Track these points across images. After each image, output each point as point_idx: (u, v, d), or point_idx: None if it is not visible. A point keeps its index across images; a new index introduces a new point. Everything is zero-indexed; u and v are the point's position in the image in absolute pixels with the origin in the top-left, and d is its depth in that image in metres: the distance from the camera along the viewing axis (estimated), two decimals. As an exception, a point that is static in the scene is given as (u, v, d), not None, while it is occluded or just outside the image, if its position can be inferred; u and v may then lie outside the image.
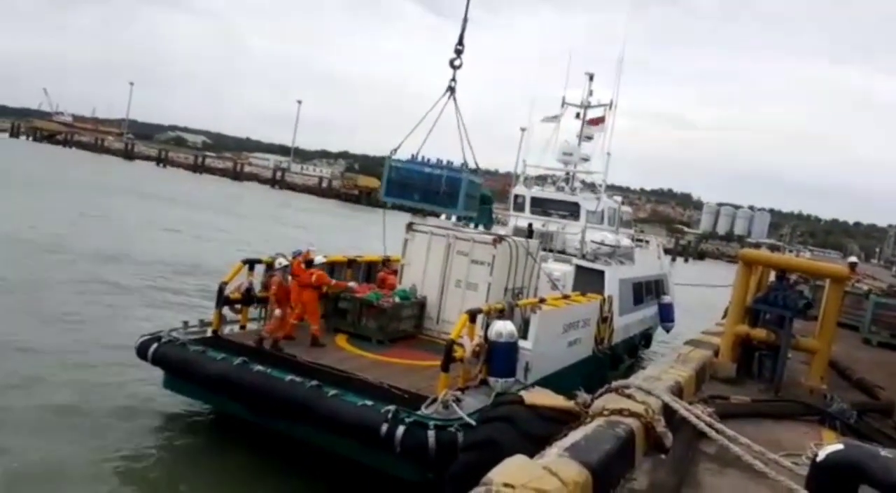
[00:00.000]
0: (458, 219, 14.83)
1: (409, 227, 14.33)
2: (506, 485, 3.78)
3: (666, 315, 20.55)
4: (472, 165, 12.06)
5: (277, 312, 11.28)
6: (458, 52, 11.48)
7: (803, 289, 12.43)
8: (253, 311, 12.53)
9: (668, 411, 6.54)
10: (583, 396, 6.97)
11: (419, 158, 12.26)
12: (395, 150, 12.34)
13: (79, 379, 11.89)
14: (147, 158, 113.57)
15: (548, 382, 11.17)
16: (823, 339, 9.90)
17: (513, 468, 4.09)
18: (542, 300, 12.18)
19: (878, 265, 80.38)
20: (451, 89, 11.87)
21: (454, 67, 11.88)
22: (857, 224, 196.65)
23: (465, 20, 11.38)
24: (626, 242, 19.57)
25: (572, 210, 19.56)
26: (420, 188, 10.69)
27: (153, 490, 8.99)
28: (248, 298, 12.18)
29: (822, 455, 5.37)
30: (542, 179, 21.69)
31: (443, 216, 13.85)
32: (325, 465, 9.61)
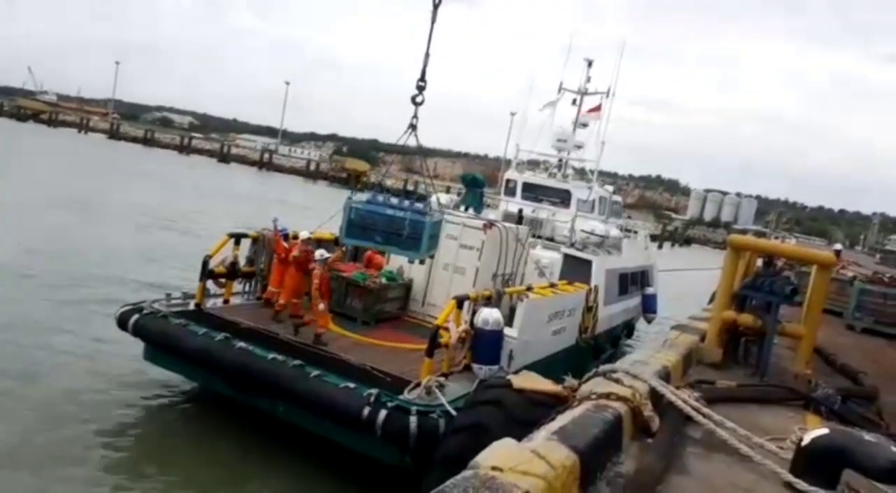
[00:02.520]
0: (457, 207, 14.78)
1: None
2: (494, 468, 3.77)
3: (649, 306, 20.66)
4: (434, 205, 11.72)
5: (321, 306, 10.96)
6: (421, 89, 11.23)
7: (789, 275, 12.51)
8: (237, 285, 12.50)
9: (655, 395, 6.56)
10: (570, 380, 7.00)
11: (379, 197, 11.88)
12: (354, 192, 11.68)
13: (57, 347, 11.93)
14: (133, 139, 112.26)
15: (531, 370, 11.24)
16: (809, 325, 9.97)
17: (501, 451, 4.08)
18: (530, 288, 12.20)
19: (862, 252, 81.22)
20: (413, 126, 11.74)
21: (416, 104, 11.62)
22: (842, 212, 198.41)
23: (427, 56, 11.05)
24: (614, 232, 19.59)
25: (563, 197, 19.53)
26: (382, 230, 10.55)
27: (129, 462, 8.97)
28: (232, 272, 12.13)
29: (807, 440, 5.43)
30: (534, 164, 21.61)
31: (432, 198, 13.78)
32: (308, 443, 9.62)
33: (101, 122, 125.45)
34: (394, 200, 11.10)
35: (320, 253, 11.25)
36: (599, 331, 16.02)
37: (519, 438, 4.58)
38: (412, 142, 11.33)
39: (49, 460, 8.52)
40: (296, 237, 13.07)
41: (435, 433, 8.31)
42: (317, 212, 15.09)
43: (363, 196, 11.13)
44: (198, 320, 10.50)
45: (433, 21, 10.86)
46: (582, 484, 4.54)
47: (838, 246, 32.32)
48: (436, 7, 10.85)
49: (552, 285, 13.36)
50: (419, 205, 10.70)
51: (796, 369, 9.77)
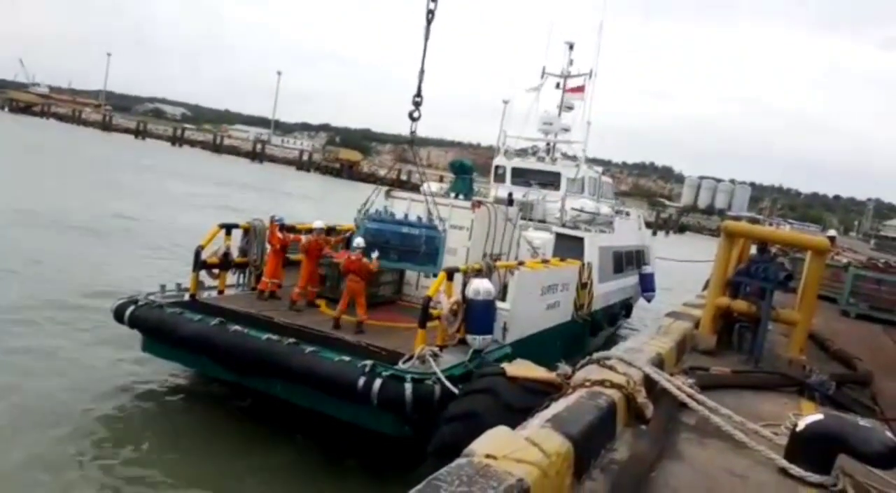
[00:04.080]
0: (447, 194, 14.74)
1: (388, 194, 14.27)
2: (488, 456, 3.76)
3: (647, 285, 20.68)
4: (436, 222, 11.81)
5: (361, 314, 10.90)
6: (417, 105, 11.20)
7: (784, 261, 12.50)
8: (231, 276, 12.49)
9: (648, 382, 6.56)
10: (564, 367, 6.98)
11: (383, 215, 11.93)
12: (366, 208, 11.81)
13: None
14: (126, 130, 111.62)
15: (526, 343, 11.28)
16: (803, 311, 9.97)
17: (495, 439, 4.07)
18: (521, 263, 12.20)
19: (856, 238, 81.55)
20: (411, 142, 11.77)
21: (413, 119, 11.63)
22: (836, 198, 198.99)
23: (422, 72, 10.98)
24: (605, 209, 19.58)
25: (553, 180, 19.51)
26: (397, 248, 10.70)
27: (130, 454, 8.91)
28: (226, 262, 12.11)
29: (801, 425, 5.42)
30: (523, 152, 21.57)
31: (424, 186, 13.75)
32: (309, 427, 9.64)
33: (94, 113, 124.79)
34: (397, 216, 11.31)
35: (358, 242, 11.10)
36: (596, 308, 16.04)
37: (513, 425, 4.57)
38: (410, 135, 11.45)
39: (41, 457, 8.45)
40: (291, 229, 13.04)
41: (430, 399, 8.38)
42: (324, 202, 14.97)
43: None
44: (193, 310, 10.50)
45: (426, 38, 10.88)
46: (576, 471, 4.53)
47: (832, 232, 32.43)
48: (429, 23, 10.85)
49: (544, 262, 13.38)
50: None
51: (791, 355, 9.78)
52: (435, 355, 9.12)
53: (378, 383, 8.37)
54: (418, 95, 11.20)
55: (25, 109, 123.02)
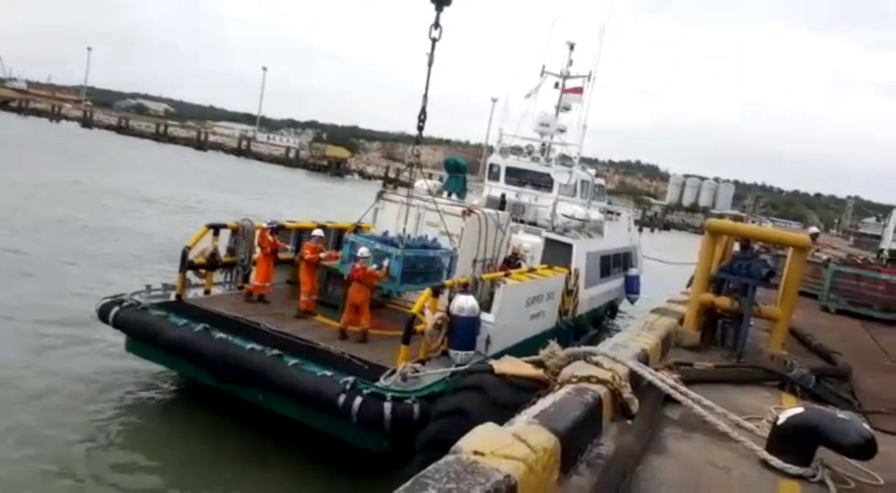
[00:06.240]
0: (440, 192, 14.85)
1: (380, 195, 14.28)
2: (475, 452, 3.80)
3: (631, 287, 20.87)
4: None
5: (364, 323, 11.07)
6: (420, 129, 11.48)
7: (766, 258, 12.66)
8: (218, 276, 12.45)
9: (634, 377, 6.65)
10: (553, 344, 7.07)
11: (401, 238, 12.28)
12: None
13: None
14: (107, 127, 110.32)
15: (509, 354, 11.33)
16: (784, 307, 10.13)
17: (482, 435, 4.11)
18: (508, 274, 12.27)
19: (837, 235, 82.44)
20: (412, 164, 12.07)
21: (417, 142, 11.99)
22: (817, 195, 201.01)
23: (426, 98, 11.15)
24: (595, 215, 19.73)
25: (546, 181, 19.63)
26: (422, 271, 11.19)
27: (110, 452, 8.93)
28: (213, 262, 12.06)
29: (782, 419, 5.54)
30: (518, 150, 21.66)
31: (418, 183, 13.82)
32: (288, 431, 9.65)
33: (74, 109, 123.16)
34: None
35: (363, 252, 11.24)
36: (581, 312, 16.16)
37: (500, 422, 4.63)
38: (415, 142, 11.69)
39: (25, 456, 8.43)
40: (281, 228, 13.04)
41: (409, 417, 8.46)
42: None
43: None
44: (178, 312, 10.46)
45: (430, 64, 11.01)
46: (563, 467, 4.60)
47: (815, 229, 32.77)
48: (433, 49, 10.98)
49: (531, 270, 13.44)
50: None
51: (772, 349, 9.94)
52: (416, 372, 9.21)
53: (358, 401, 8.43)
54: (422, 118, 11.43)
55: (2, 105, 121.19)
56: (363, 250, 11.26)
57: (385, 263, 11.32)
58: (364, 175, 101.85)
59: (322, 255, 12.13)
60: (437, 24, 10.91)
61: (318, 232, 12.39)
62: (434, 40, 10.90)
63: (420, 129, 11.54)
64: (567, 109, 21.74)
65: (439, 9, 10.81)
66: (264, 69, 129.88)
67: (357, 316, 11.00)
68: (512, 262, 13.71)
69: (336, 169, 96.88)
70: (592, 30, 21.50)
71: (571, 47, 21.77)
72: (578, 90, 21.56)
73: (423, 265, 11.82)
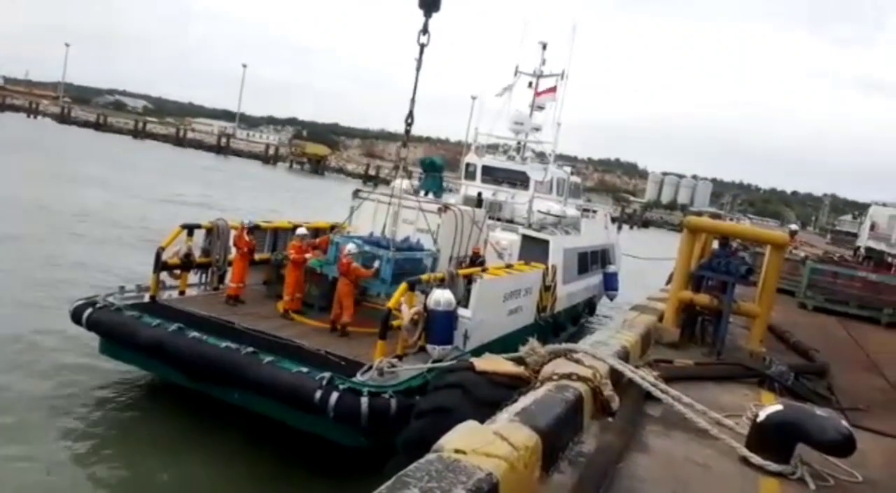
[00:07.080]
0: (416, 192, 14.80)
1: (356, 194, 14.21)
2: (457, 451, 3.78)
3: (610, 284, 20.96)
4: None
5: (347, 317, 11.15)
6: (408, 132, 11.60)
7: (744, 255, 12.77)
8: (193, 277, 12.30)
9: (615, 375, 6.66)
10: (533, 342, 7.06)
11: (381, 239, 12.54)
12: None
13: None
14: (85, 123, 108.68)
15: (487, 349, 11.28)
16: (763, 304, 10.21)
17: (464, 433, 4.09)
18: (485, 269, 12.24)
19: (814, 233, 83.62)
20: (398, 167, 12.52)
21: (404, 145, 12.21)
22: (794, 193, 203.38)
23: (413, 102, 11.14)
24: (572, 212, 19.78)
25: (522, 179, 19.66)
26: (410, 273, 11.10)
27: (81, 457, 8.77)
28: (187, 263, 11.92)
29: (762, 416, 5.57)
30: (493, 148, 21.66)
31: (395, 183, 13.74)
32: (267, 429, 9.54)
33: (51, 106, 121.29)
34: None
35: (349, 248, 11.24)
36: (559, 309, 16.20)
37: (482, 420, 4.60)
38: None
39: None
40: (256, 227, 12.91)
41: (386, 412, 8.41)
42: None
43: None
44: (152, 313, 10.32)
45: (419, 68, 11.00)
46: (544, 464, 4.58)
47: (794, 226, 33.22)
48: (421, 55, 10.96)
49: (508, 266, 13.44)
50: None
51: (751, 346, 10.02)
52: (392, 366, 9.16)
53: (335, 396, 8.38)
54: (409, 116, 11.36)
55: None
56: (350, 247, 11.26)
57: (376, 264, 11.32)
58: (344, 172, 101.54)
59: (308, 255, 12.02)
60: (425, 30, 10.88)
61: (302, 230, 12.27)
62: (423, 45, 10.86)
63: (407, 132, 11.48)
64: (541, 108, 21.79)
65: (428, 15, 10.78)
66: (244, 66, 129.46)
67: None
68: (474, 261, 13.69)
69: (316, 166, 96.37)
70: (568, 28, 21.28)
71: (544, 47, 21.83)
72: (552, 90, 21.61)
73: (410, 267, 11.87)
